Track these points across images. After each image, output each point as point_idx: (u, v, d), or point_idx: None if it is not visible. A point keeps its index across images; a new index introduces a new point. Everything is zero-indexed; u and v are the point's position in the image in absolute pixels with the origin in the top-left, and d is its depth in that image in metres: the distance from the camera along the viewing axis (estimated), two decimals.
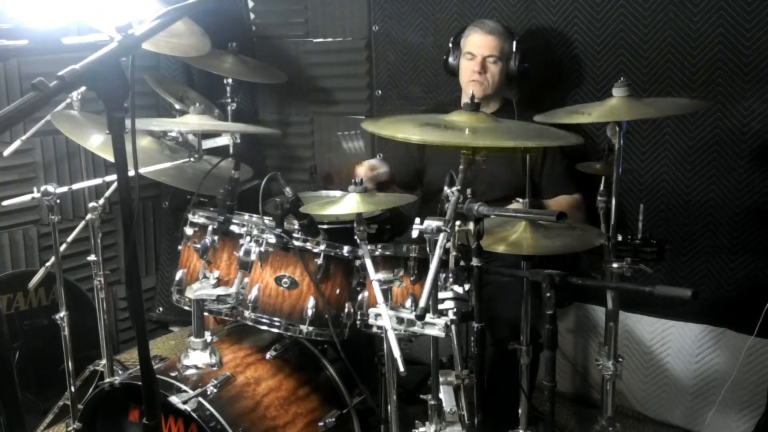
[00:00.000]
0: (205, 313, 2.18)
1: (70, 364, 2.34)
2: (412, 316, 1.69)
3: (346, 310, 2.21)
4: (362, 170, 2.68)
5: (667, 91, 2.56)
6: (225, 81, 3.00)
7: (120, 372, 2.56)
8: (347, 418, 2.25)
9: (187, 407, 1.91)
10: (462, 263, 1.83)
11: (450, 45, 2.72)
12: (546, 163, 2.63)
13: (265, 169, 3.48)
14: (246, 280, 2.20)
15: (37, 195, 2.23)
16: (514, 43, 2.61)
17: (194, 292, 2.13)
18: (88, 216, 2.35)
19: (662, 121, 2.61)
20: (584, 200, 2.59)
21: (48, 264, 2.43)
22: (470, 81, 2.60)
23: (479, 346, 1.81)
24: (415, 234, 1.68)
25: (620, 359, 2.08)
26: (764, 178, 2.48)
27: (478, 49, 2.59)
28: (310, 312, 2.15)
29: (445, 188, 1.77)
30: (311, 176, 3.37)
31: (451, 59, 2.71)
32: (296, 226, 2.21)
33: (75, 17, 2.77)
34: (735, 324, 2.60)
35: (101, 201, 2.37)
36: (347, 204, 2.02)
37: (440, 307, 1.71)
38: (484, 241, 1.79)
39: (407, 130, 1.88)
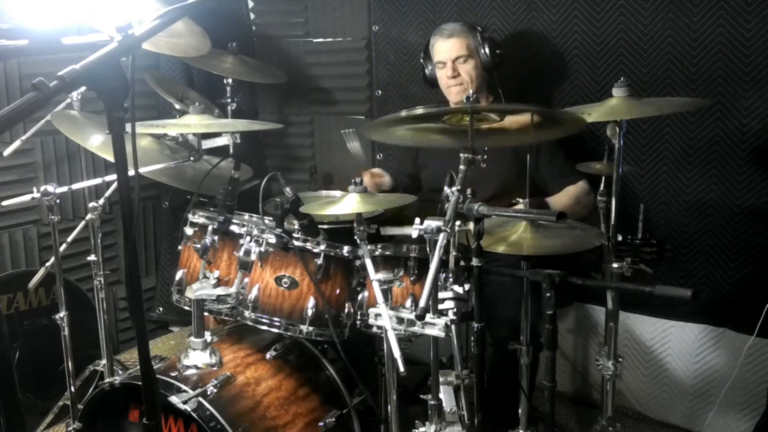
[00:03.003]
0: (205, 313, 2.17)
1: (70, 364, 2.34)
2: (412, 316, 1.70)
3: (346, 310, 2.21)
4: (366, 178, 2.70)
5: (667, 91, 2.56)
6: (225, 81, 3.00)
7: (120, 372, 2.55)
8: (347, 418, 2.25)
9: (187, 407, 1.91)
10: (462, 263, 1.83)
11: (421, 59, 2.75)
12: (541, 157, 2.60)
13: (265, 169, 3.48)
14: (246, 280, 2.20)
15: (37, 195, 2.23)
16: (478, 35, 2.62)
17: (194, 292, 2.13)
18: (88, 216, 2.35)
19: (662, 121, 2.61)
20: (590, 185, 2.57)
21: (48, 264, 2.43)
22: (449, 88, 2.65)
23: (479, 346, 1.81)
24: (415, 234, 1.68)
25: (620, 359, 2.08)
26: (764, 178, 2.48)
27: (444, 55, 2.63)
28: (310, 312, 2.15)
29: (445, 188, 1.78)
30: (311, 176, 3.38)
31: (427, 72, 2.75)
32: (296, 226, 2.21)
33: (75, 17, 2.77)
34: (735, 324, 2.60)
35: (101, 201, 2.37)
36: (347, 204, 2.02)
37: (440, 307, 1.71)
38: (484, 241, 1.79)
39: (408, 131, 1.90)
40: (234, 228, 2.24)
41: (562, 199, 2.58)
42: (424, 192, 2.84)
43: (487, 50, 2.61)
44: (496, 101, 2.70)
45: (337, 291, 2.20)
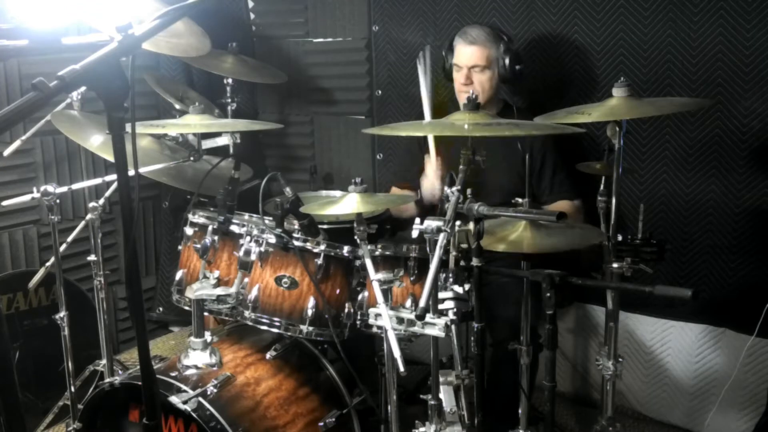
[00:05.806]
0: (205, 313, 2.18)
1: (70, 364, 2.34)
2: (412, 316, 1.70)
3: (346, 310, 2.21)
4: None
5: (667, 91, 2.56)
6: (225, 81, 3.00)
7: (120, 372, 2.55)
8: (347, 418, 2.25)
9: (187, 407, 1.91)
10: (462, 263, 1.83)
11: (444, 53, 2.69)
12: (545, 169, 2.62)
13: (265, 169, 3.48)
14: (246, 280, 2.20)
15: (37, 195, 2.23)
16: (502, 46, 2.57)
17: (194, 292, 2.13)
18: (88, 216, 2.35)
19: (662, 121, 2.61)
20: (583, 205, 2.58)
21: (48, 264, 2.43)
22: (460, 93, 2.61)
23: (479, 346, 1.81)
24: (415, 234, 1.68)
25: (620, 359, 2.08)
26: (764, 178, 2.48)
27: (462, 60, 2.57)
28: (310, 312, 2.15)
29: (445, 188, 1.78)
30: (311, 176, 3.38)
31: (446, 65, 2.69)
32: (296, 226, 2.21)
33: (75, 17, 2.77)
34: (735, 324, 2.59)
35: (101, 201, 2.37)
36: (347, 204, 2.02)
37: (440, 307, 1.71)
38: (484, 241, 1.79)
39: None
40: (234, 228, 2.24)
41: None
42: None
43: (506, 63, 2.55)
44: (504, 112, 2.67)
45: (337, 291, 2.20)
